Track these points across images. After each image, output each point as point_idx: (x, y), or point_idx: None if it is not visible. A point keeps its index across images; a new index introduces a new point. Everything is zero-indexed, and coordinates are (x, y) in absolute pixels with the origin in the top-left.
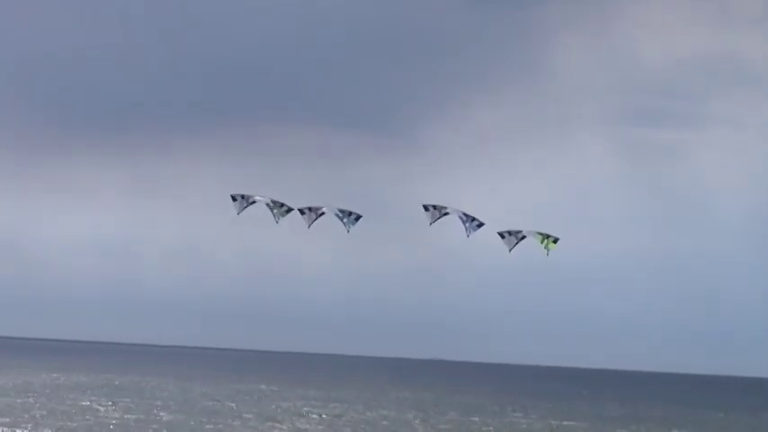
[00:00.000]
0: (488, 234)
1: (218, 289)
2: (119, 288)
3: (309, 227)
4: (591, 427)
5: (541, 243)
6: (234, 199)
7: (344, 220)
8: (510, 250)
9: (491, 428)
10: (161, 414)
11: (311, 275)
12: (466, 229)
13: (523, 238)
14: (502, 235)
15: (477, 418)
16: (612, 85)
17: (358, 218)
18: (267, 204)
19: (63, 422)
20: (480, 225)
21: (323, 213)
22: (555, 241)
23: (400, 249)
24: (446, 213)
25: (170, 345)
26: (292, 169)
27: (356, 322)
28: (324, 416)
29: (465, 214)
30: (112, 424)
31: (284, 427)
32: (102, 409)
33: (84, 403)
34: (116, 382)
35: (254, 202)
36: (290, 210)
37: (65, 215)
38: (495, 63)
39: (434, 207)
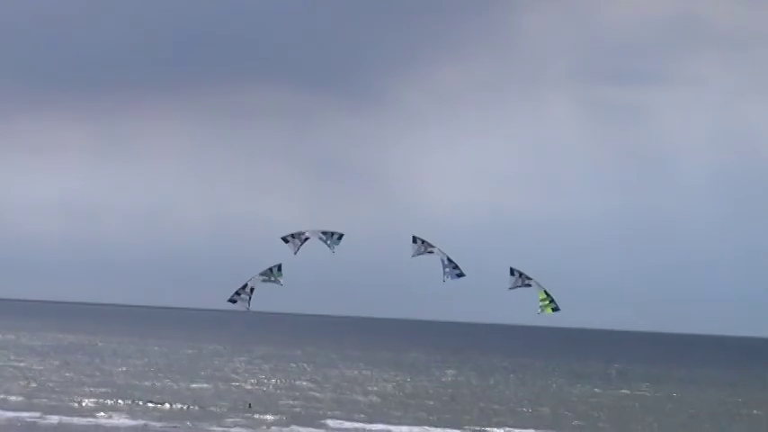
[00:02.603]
0: (458, 195)
1: (187, 249)
2: (85, 248)
3: (296, 254)
4: (567, 383)
5: (541, 301)
6: (286, 241)
7: (328, 242)
8: (510, 288)
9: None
10: (96, 373)
11: (277, 234)
12: (444, 274)
13: (528, 286)
14: (512, 271)
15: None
16: (578, 44)
17: (340, 237)
18: (320, 238)
19: None
20: (460, 275)
21: (307, 238)
22: (553, 309)
23: (364, 209)
24: (431, 252)
25: (138, 305)
26: (258, 129)
27: (325, 282)
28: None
29: (449, 259)
30: (50, 382)
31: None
32: (40, 368)
33: (20, 364)
34: (68, 342)
35: (307, 238)
36: (341, 236)
37: (31, 174)
38: (460, 21)
39: (423, 242)
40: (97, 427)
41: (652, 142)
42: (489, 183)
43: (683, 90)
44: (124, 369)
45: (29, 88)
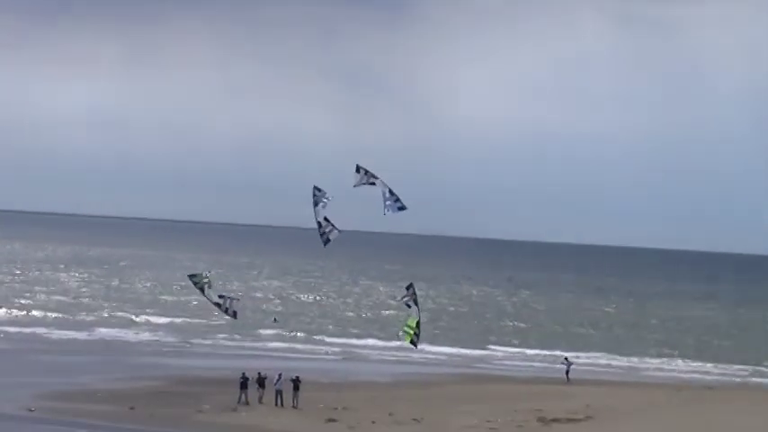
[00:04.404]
0: (488, 107)
1: (216, 162)
2: (114, 161)
3: (355, 186)
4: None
5: (407, 326)
6: (358, 170)
7: (387, 202)
8: (354, 186)
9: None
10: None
11: (307, 148)
12: (385, 207)
13: (372, 184)
14: (357, 168)
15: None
16: None
17: (401, 208)
18: (383, 193)
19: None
20: (402, 208)
21: (373, 184)
22: (412, 341)
23: (394, 120)
24: (372, 183)
25: (164, 218)
26: (288, 42)
27: (350, 196)
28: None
29: (391, 192)
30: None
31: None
32: (63, 276)
33: (48, 273)
34: (89, 253)
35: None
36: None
37: (63, 86)
38: None
39: (366, 172)
40: (138, 341)
41: (685, 58)
42: (519, 96)
43: (718, 4)
44: (152, 284)
45: (59, 1)
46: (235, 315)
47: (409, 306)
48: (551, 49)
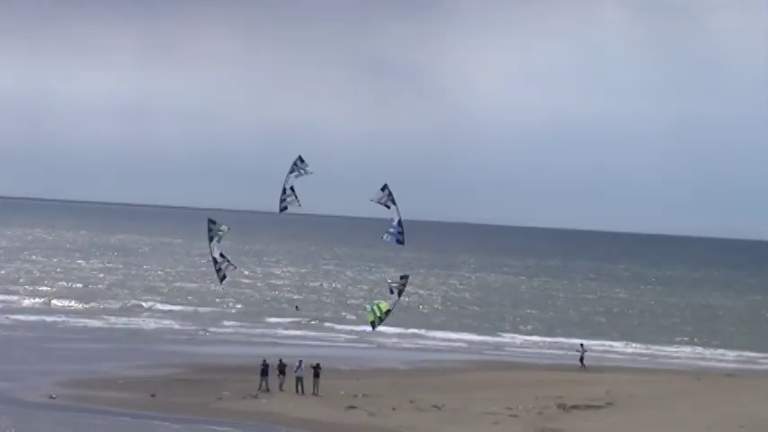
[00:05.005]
0: (508, 96)
1: (238, 152)
2: (135, 151)
3: (300, 205)
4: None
5: (377, 308)
6: (383, 189)
7: (302, 171)
8: (371, 200)
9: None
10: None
11: (327, 134)
12: (387, 234)
13: (387, 207)
14: (384, 187)
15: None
16: None
17: (301, 159)
18: (296, 175)
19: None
20: (400, 242)
21: (292, 187)
22: (372, 322)
23: (416, 108)
24: (388, 206)
25: (184, 206)
26: (312, 33)
27: (371, 181)
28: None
29: (399, 223)
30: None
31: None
32: (83, 264)
33: (68, 262)
34: (110, 241)
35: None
36: (302, 159)
37: (85, 77)
38: None
39: (389, 194)
40: (156, 329)
41: (703, 44)
42: (542, 85)
43: None
44: (170, 271)
45: None
46: (223, 279)
47: (392, 292)
48: (573, 37)
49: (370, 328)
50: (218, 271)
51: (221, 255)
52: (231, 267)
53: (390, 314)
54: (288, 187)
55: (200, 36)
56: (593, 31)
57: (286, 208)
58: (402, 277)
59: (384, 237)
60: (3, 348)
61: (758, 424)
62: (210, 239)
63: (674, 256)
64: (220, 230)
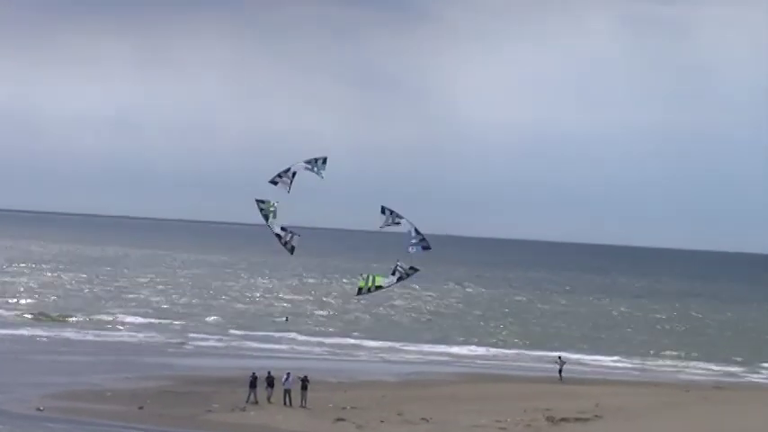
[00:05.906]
0: (499, 108)
1: (227, 163)
2: (122, 161)
3: (289, 192)
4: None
5: (369, 279)
6: (275, 183)
7: (314, 169)
8: (380, 227)
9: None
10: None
11: (317, 149)
12: (411, 246)
13: (397, 224)
14: (383, 210)
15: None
16: None
17: (324, 160)
18: (306, 168)
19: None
20: (426, 248)
21: (294, 173)
22: (360, 289)
23: (405, 122)
24: (398, 223)
25: (173, 218)
26: (300, 44)
27: (361, 196)
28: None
29: (417, 231)
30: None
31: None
32: (65, 278)
33: (49, 274)
34: (94, 253)
35: (294, 173)
36: (325, 160)
37: (73, 87)
38: None
39: (391, 212)
40: (142, 341)
41: (694, 58)
42: (530, 96)
43: (725, 7)
44: (183, 278)
45: (72, 1)
46: (292, 250)
47: (393, 274)
48: (562, 50)
49: (356, 296)
50: (285, 244)
51: (282, 228)
52: (297, 237)
53: (380, 291)
54: (292, 171)
55: (188, 49)
56: (582, 42)
57: (276, 183)
58: (411, 268)
59: (410, 249)
60: None
61: None
62: (266, 218)
63: (663, 268)
64: (272, 207)
